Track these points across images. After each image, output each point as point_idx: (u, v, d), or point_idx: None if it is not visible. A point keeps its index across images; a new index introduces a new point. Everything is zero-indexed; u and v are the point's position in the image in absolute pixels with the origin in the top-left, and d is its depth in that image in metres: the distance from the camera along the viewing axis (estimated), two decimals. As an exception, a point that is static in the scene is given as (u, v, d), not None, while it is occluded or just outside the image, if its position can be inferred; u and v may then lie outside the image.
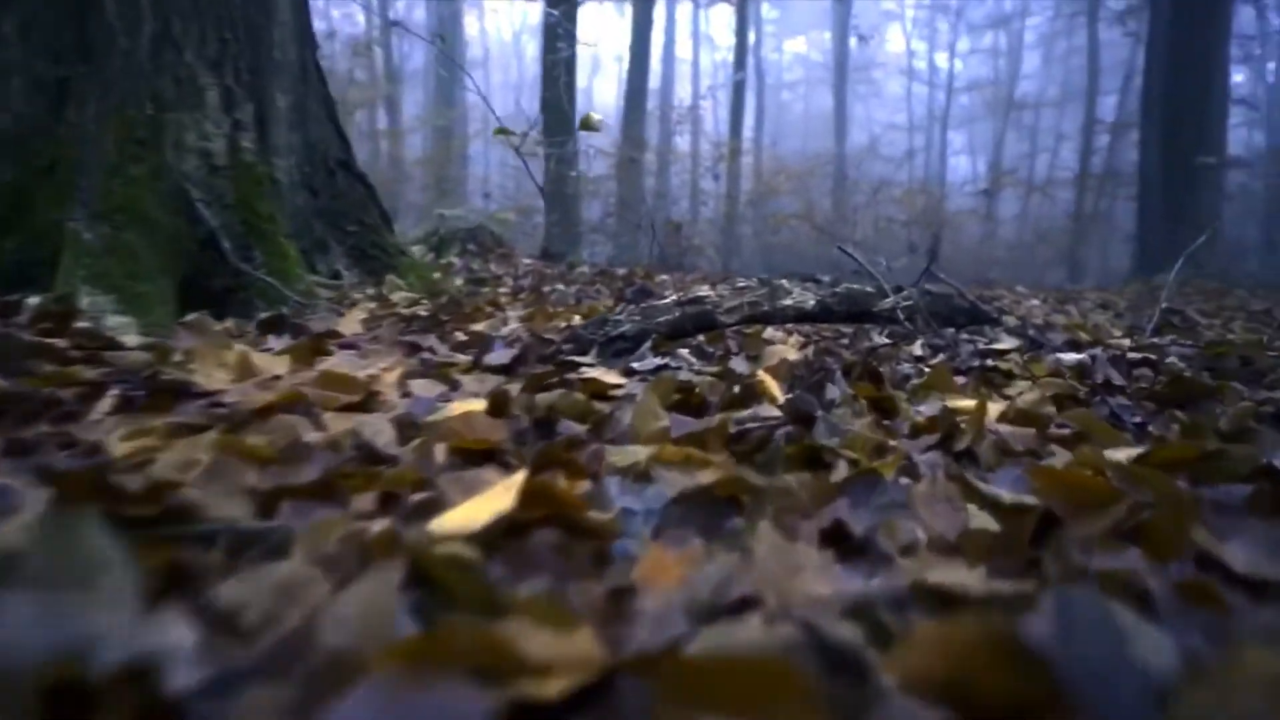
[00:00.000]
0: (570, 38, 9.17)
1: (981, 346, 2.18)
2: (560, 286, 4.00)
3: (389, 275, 3.50)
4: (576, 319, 2.47)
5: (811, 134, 26.44)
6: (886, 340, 2.32)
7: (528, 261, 5.90)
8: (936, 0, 29.11)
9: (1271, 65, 21.48)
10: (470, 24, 32.55)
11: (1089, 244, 18.12)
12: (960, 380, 1.71)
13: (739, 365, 1.70)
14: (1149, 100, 12.88)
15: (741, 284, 2.39)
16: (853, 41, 22.88)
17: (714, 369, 1.67)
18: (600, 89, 32.45)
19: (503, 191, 14.20)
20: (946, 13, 28.35)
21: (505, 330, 2.34)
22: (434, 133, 17.97)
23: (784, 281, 2.37)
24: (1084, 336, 2.74)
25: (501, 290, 3.80)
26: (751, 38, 25.53)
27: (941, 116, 25.36)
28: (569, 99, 9.02)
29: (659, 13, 29.28)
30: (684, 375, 1.57)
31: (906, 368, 1.86)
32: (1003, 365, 1.89)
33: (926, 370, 1.76)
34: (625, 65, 14.30)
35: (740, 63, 15.07)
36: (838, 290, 2.39)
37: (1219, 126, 9.71)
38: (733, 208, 12.70)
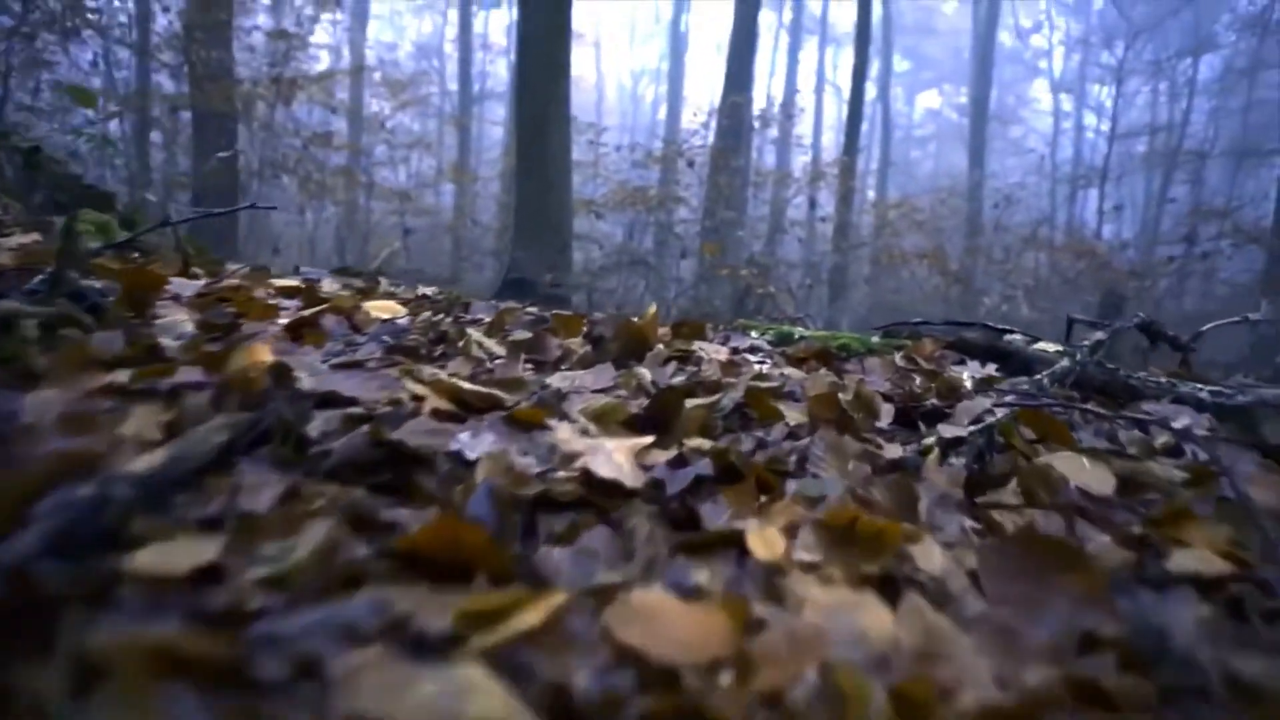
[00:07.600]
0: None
1: None
2: None
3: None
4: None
5: (941, 193, 23.83)
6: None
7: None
8: (1090, 49, 26.22)
9: None
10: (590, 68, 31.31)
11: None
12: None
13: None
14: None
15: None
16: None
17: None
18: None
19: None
20: (1098, 62, 25.46)
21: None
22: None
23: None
24: None
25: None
26: (874, 91, 22.66)
27: (1101, 166, 22.22)
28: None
29: (781, 57, 27.20)
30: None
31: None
32: None
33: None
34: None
35: (862, 48, 11.59)
36: None
37: None
38: (842, 243, 9.90)
